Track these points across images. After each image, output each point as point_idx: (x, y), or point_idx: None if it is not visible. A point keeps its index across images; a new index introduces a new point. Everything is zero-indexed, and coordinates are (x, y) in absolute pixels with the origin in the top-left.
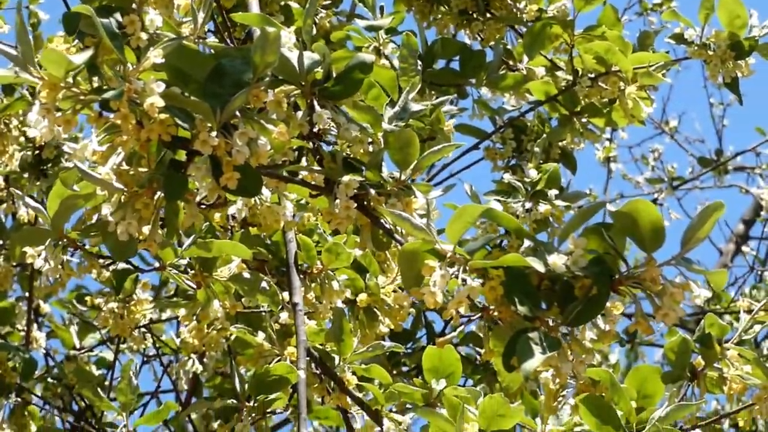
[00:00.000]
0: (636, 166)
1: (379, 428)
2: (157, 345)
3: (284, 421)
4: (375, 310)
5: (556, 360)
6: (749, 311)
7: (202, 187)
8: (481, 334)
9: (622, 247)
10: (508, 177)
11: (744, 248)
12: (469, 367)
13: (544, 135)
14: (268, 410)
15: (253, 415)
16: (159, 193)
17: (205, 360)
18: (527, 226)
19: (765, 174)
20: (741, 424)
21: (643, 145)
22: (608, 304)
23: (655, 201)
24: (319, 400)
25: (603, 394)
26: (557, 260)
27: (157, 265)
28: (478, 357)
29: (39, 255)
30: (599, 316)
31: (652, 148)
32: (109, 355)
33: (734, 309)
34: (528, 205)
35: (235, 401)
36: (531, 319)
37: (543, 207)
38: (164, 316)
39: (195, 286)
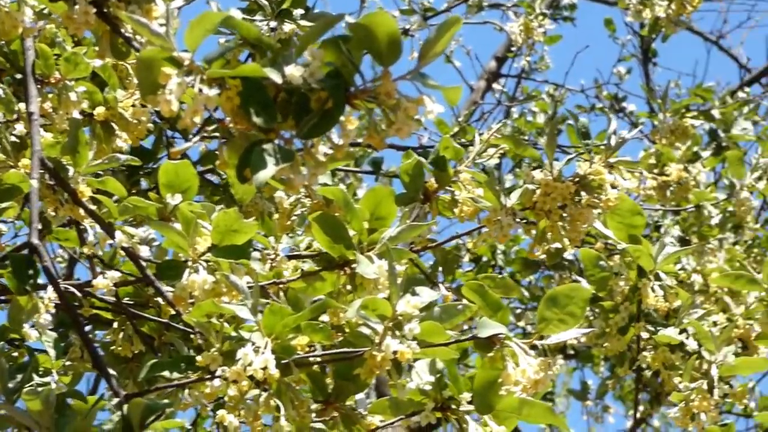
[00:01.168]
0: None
1: (111, 241)
2: None
3: None
4: (112, 124)
5: (289, 171)
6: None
7: None
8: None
9: (359, 60)
10: None
11: (495, 85)
12: (208, 189)
13: None
14: None
15: None
16: None
17: None
18: None
19: (518, 11)
20: (470, 247)
21: None
22: (343, 118)
23: (407, 32)
24: (53, 213)
25: (337, 214)
26: (294, 72)
27: None
28: (220, 179)
29: None
30: (333, 129)
31: None
32: None
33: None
34: (273, 24)
35: None
36: (266, 131)
37: (288, 26)
38: None
39: None
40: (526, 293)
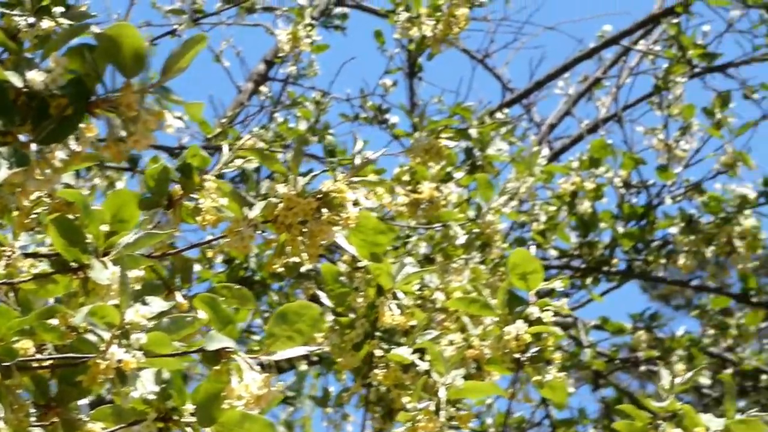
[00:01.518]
0: None
1: None
2: None
3: None
4: None
5: (22, 176)
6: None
7: None
8: None
9: (103, 70)
10: None
11: (262, 88)
12: None
13: None
14: None
15: None
16: None
17: None
18: (29, 41)
19: (291, 17)
20: (210, 256)
21: None
22: (82, 126)
23: (174, 32)
24: None
25: (77, 216)
26: (36, 77)
27: None
28: None
29: None
30: (72, 136)
31: None
32: None
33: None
34: (32, 20)
35: None
36: (4, 134)
37: (46, 23)
38: None
39: None
40: (276, 298)
